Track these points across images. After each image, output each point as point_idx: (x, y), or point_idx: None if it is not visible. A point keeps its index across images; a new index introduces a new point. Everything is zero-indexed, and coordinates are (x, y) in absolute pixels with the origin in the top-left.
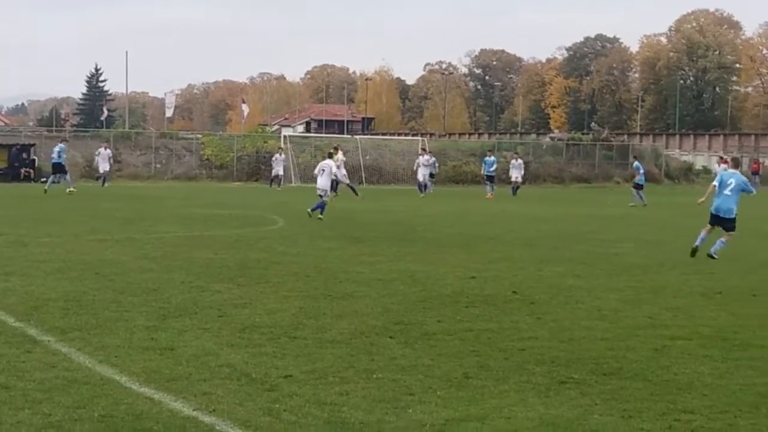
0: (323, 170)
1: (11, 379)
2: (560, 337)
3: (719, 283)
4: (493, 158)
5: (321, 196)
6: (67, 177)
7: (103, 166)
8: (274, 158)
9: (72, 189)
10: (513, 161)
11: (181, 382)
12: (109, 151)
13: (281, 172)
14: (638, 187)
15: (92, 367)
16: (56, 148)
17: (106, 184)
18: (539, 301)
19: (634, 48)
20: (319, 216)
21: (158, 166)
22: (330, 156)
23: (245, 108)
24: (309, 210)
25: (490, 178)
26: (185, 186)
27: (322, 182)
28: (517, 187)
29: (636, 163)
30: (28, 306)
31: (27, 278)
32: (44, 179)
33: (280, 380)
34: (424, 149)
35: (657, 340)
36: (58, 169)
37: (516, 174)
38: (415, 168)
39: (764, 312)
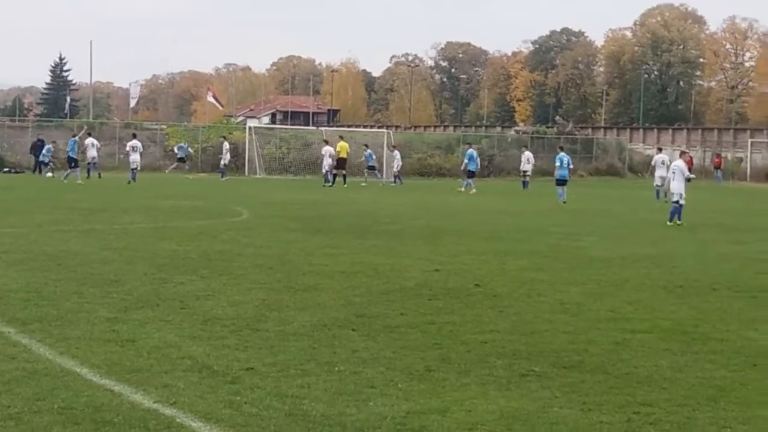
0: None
1: None
2: (522, 330)
3: (680, 276)
4: (471, 151)
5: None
6: (77, 171)
7: (91, 153)
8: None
9: (80, 182)
10: (522, 154)
11: (142, 374)
12: (92, 138)
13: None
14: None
15: (53, 358)
16: (69, 141)
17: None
18: (502, 294)
19: (600, 42)
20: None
21: (122, 156)
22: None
23: (212, 99)
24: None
25: (472, 174)
26: (149, 177)
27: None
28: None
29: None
30: None
31: None
32: (7, 169)
33: (242, 372)
34: (394, 146)
35: (618, 333)
36: (72, 162)
37: (527, 167)
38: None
39: (724, 306)
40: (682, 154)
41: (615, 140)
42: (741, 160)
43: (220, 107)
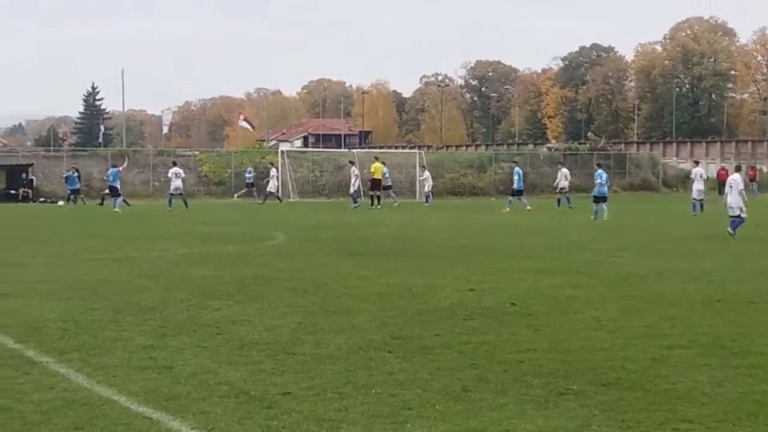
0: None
1: (9, 401)
2: (558, 348)
3: (718, 290)
4: (518, 169)
5: None
6: (118, 200)
7: (176, 183)
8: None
9: (117, 210)
10: (559, 171)
11: (180, 401)
12: (177, 168)
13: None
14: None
15: (90, 387)
16: (109, 172)
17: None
18: (537, 312)
19: (630, 57)
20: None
21: (156, 183)
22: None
23: (243, 123)
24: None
25: (519, 192)
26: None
27: None
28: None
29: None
30: (26, 327)
31: (24, 299)
32: (43, 199)
33: (279, 397)
34: (423, 166)
35: (655, 349)
36: (113, 191)
37: (564, 183)
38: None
39: (763, 319)
40: (738, 168)
41: (648, 155)
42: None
43: (252, 129)
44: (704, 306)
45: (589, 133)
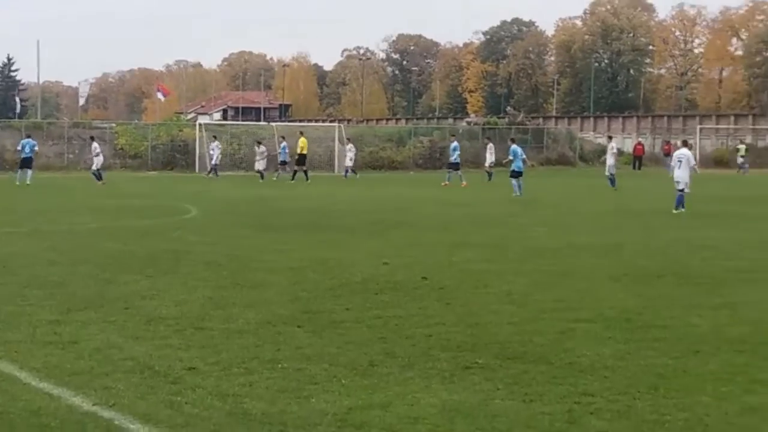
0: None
1: None
2: (467, 322)
3: (627, 264)
4: (455, 143)
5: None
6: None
7: (98, 161)
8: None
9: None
10: (487, 146)
11: (82, 377)
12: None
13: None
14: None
15: None
16: (23, 142)
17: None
18: (449, 286)
19: (550, 31)
20: None
21: (71, 156)
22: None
23: (160, 95)
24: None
25: (453, 165)
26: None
27: None
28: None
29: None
30: None
31: None
32: None
33: (184, 372)
34: (348, 139)
35: (563, 323)
36: (26, 162)
37: (490, 159)
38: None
39: (668, 292)
40: (686, 143)
41: (566, 129)
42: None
43: (163, 98)
44: (613, 280)
45: (508, 108)
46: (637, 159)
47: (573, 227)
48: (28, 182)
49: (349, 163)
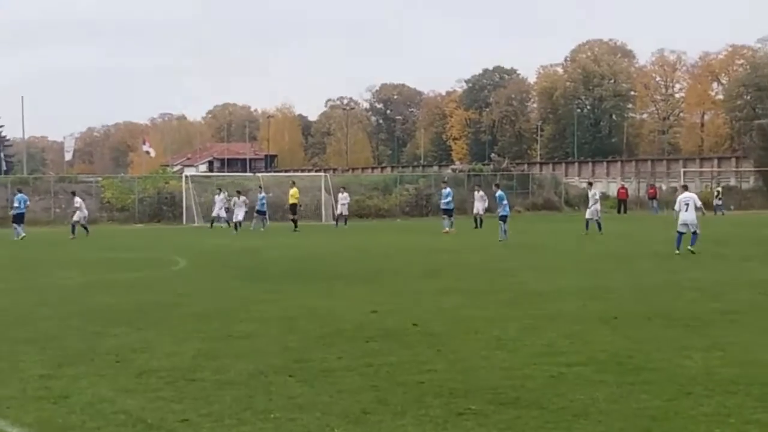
0: None
1: None
2: (459, 368)
3: (616, 307)
4: (448, 189)
5: None
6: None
7: (80, 214)
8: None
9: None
10: (476, 193)
11: (74, 431)
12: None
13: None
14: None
15: None
16: (16, 198)
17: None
18: (439, 332)
19: (532, 79)
20: None
21: (58, 210)
22: None
23: (148, 148)
24: None
25: (448, 212)
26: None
27: None
28: (481, 219)
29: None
30: None
31: None
32: None
33: (177, 424)
34: (343, 187)
35: (554, 367)
36: (19, 218)
37: (480, 206)
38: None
39: (658, 335)
40: (686, 188)
41: (551, 175)
42: (675, 189)
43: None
44: (602, 323)
45: (493, 154)
46: (621, 203)
47: (560, 271)
48: (22, 236)
49: (343, 210)
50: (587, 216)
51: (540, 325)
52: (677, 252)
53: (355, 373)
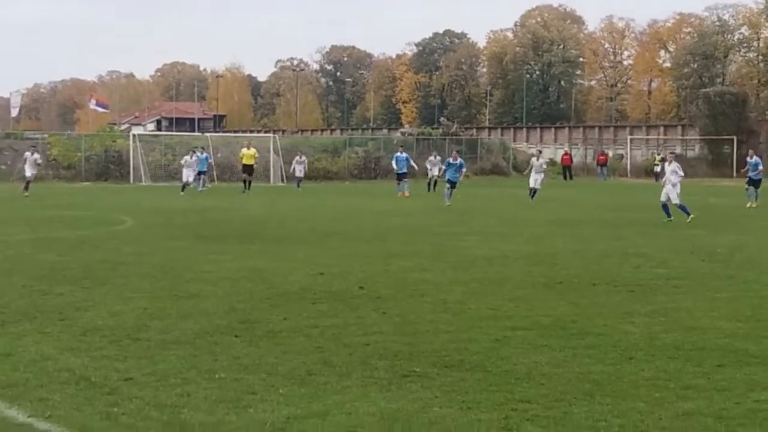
0: None
1: None
2: (404, 331)
3: (561, 273)
4: (405, 154)
5: None
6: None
7: (31, 171)
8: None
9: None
10: (431, 158)
11: (18, 389)
12: (36, 155)
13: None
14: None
15: None
16: None
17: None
18: (385, 295)
19: (482, 43)
20: None
21: (3, 167)
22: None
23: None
24: None
25: (401, 176)
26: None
27: None
28: (435, 182)
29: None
30: None
31: None
32: None
33: (120, 383)
34: (301, 152)
35: (498, 331)
36: None
37: (435, 170)
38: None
39: (602, 300)
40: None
41: (499, 140)
42: (622, 156)
43: (106, 111)
44: (547, 288)
45: (442, 118)
46: (566, 169)
47: (506, 236)
48: None
49: (300, 174)
50: (533, 185)
51: (485, 289)
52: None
53: (301, 335)
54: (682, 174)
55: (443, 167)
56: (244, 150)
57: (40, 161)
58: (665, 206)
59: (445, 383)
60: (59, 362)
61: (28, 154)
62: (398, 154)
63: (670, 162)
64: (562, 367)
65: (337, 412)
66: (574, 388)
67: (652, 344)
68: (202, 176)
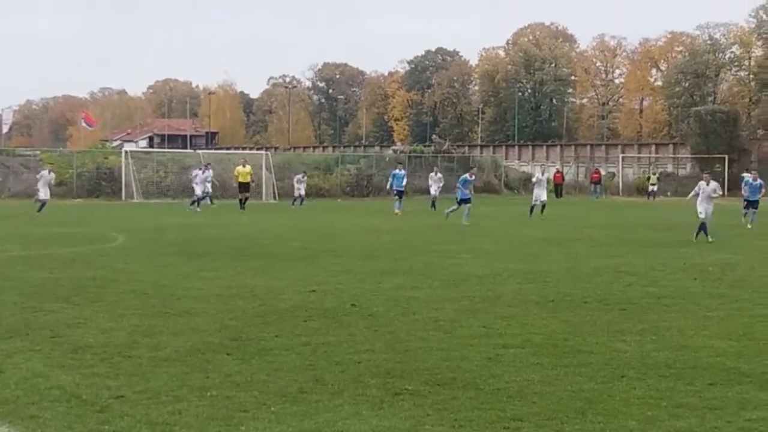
0: None
1: None
2: (396, 349)
3: (552, 291)
4: (403, 172)
5: None
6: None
7: (44, 192)
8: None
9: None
10: (432, 174)
11: (8, 406)
12: (52, 174)
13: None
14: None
15: None
16: None
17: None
18: (377, 313)
19: (474, 61)
20: None
21: None
22: None
23: (85, 125)
24: None
25: (400, 194)
26: (23, 204)
27: None
28: (435, 201)
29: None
30: None
31: None
32: None
33: (112, 401)
34: (304, 171)
35: (490, 349)
36: None
37: (435, 187)
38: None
39: (594, 318)
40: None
41: (491, 158)
42: (613, 175)
43: (90, 128)
44: (539, 306)
45: (434, 136)
46: (557, 187)
47: (498, 254)
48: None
49: (302, 192)
50: (544, 199)
51: (477, 307)
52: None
53: (293, 352)
54: (720, 193)
55: (459, 185)
56: (239, 168)
57: (53, 181)
58: (704, 225)
59: (437, 401)
60: (50, 380)
61: (44, 172)
62: (396, 171)
63: (708, 182)
64: (554, 385)
65: (328, 430)
66: (566, 407)
67: (644, 362)
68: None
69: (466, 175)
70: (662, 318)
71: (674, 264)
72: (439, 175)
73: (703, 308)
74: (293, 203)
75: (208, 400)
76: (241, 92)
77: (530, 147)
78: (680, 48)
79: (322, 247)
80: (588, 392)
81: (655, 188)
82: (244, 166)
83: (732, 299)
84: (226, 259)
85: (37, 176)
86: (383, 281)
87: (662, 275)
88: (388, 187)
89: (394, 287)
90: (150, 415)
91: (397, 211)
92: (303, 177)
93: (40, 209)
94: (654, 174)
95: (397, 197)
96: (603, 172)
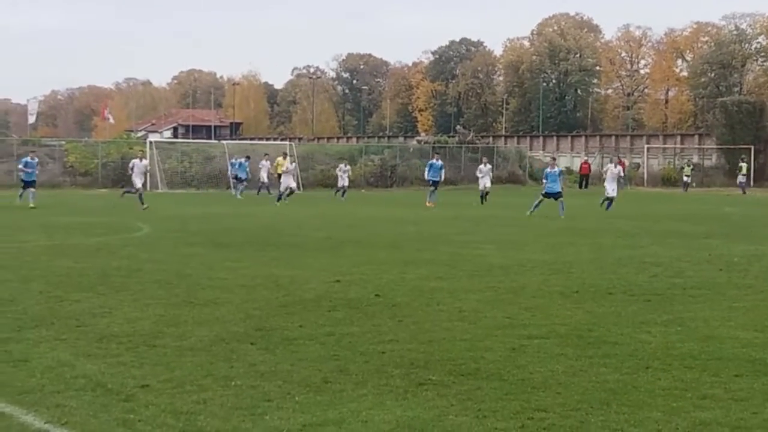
0: None
1: None
2: (420, 339)
3: (577, 281)
4: (440, 162)
5: None
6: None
7: (139, 181)
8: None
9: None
10: (482, 167)
11: (34, 395)
12: (145, 161)
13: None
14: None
15: None
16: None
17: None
18: (401, 303)
19: (498, 51)
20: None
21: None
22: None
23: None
24: None
25: (435, 184)
26: (49, 194)
27: None
28: (487, 194)
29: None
30: None
31: None
32: None
33: (137, 390)
34: (345, 161)
35: (515, 339)
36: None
37: (486, 180)
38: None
39: (618, 309)
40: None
41: (515, 148)
42: (638, 165)
43: (110, 122)
44: (563, 297)
45: (458, 127)
46: (583, 177)
47: (523, 245)
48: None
49: (345, 183)
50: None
51: (502, 297)
52: None
53: (317, 342)
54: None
55: (544, 180)
56: (280, 159)
57: (149, 167)
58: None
59: (460, 391)
60: (76, 369)
61: (136, 161)
62: (433, 161)
63: (617, 165)
64: (578, 376)
65: (352, 420)
66: (590, 397)
67: (668, 353)
68: (242, 184)
69: (547, 169)
70: (687, 309)
71: (699, 255)
72: (489, 166)
73: (729, 299)
74: (335, 193)
75: (233, 390)
76: (266, 83)
77: (555, 138)
78: (706, 38)
79: (346, 238)
80: (612, 383)
81: (689, 180)
82: (284, 157)
83: (758, 290)
84: (250, 249)
85: (129, 166)
86: (407, 271)
87: (688, 266)
88: (425, 177)
89: (418, 278)
90: (175, 405)
91: (429, 203)
92: (345, 166)
93: (141, 200)
94: (688, 165)
95: (432, 188)
96: (627, 163)
